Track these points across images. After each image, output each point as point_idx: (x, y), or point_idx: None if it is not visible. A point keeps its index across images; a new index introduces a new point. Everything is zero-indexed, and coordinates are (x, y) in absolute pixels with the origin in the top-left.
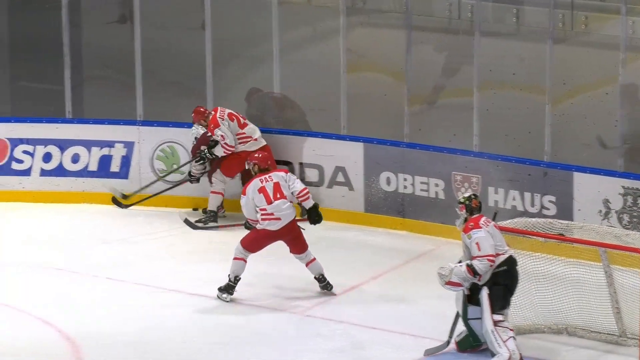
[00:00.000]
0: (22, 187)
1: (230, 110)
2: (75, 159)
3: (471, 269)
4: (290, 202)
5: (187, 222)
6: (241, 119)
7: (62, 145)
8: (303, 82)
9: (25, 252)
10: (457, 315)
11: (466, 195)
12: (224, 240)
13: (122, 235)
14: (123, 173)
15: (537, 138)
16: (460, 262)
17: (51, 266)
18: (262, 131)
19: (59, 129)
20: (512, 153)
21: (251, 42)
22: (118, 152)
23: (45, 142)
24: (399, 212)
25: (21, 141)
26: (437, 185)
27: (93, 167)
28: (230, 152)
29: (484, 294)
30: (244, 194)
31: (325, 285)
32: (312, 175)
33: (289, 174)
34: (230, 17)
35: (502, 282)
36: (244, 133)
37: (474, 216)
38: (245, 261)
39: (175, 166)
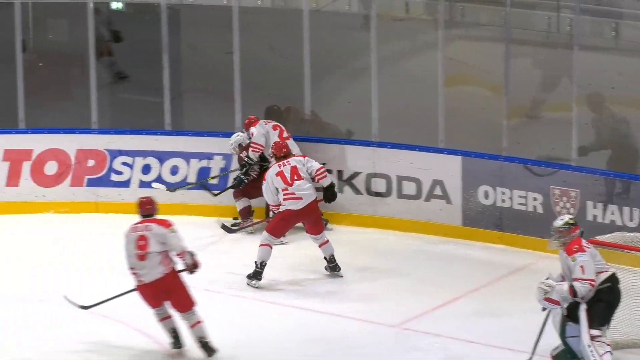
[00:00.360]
0: (121, 199)
1: (275, 123)
2: (174, 170)
3: (572, 290)
4: (310, 183)
5: (224, 227)
6: (285, 132)
7: (161, 157)
8: (401, 95)
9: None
10: (541, 333)
11: (568, 217)
12: (318, 254)
13: (218, 247)
14: (221, 185)
15: (636, 152)
16: (562, 279)
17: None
18: (359, 144)
19: (158, 140)
20: (610, 167)
21: (350, 55)
22: (216, 164)
23: (144, 153)
24: (496, 225)
25: (120, 153)
26: (535, 199)
27: (192, 178)
28: (258, 151)
29: (583, 310)
30: (264, 180)
31: (334, 267)
32: (409, 188)
33: (306, 158)
34: (329, 30)
35: (605, 299)
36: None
37: (575, 238)
38: (271, 247)
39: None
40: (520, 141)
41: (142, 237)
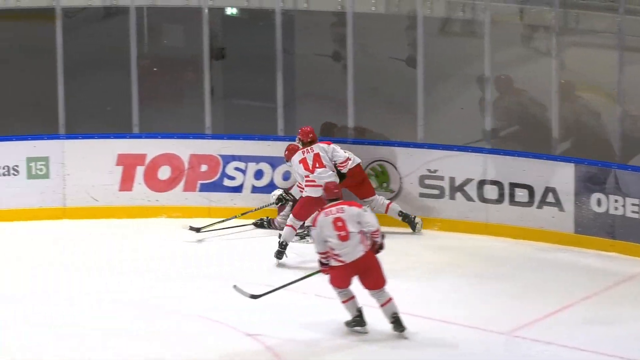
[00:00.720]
0: (233, 204)
1: (315, 152)
2: (286, 176)
3: None
4: (333, 171)
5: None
6: (318, 162)
7: (274, 162)
8: (514, 102)
9: (235, 267)
10: None
11: None
12: (429, 259)
13: None
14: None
15: None
16: None
17: (258, 282)
18: (472, 150)
19: (271, 146)
20: None
21: (463, 62)
22: None
23: (257, 159)
24: (609, 233)
25: (233, 158)
26: None
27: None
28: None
29: None
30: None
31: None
32: (521, 195)
33: (332, 145)
34: (442, 36)
35: None
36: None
37: None
38: (295, 229)
39: (385, 184)
40: (635, 149)
41: (339, 219)
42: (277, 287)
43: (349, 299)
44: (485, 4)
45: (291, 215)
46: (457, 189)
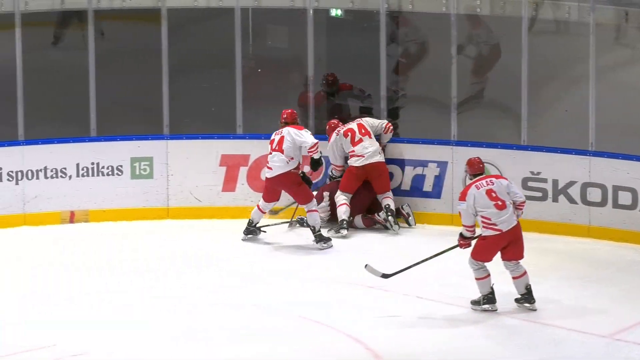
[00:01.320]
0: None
1: (350, 126)
2: (389, 177)
3: None
4: (291, 158)
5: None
6: (361, 130)
7: None
8: (619, 104)
9: (331, 267)
10: None
11: None
12: (533, 262)
13: (433, 252)
14: (435, 193)
15: None
16: None
17: (359, 283)
18: (575, 153)
19: None
20: None
21: (568, 64)
22: (431, 172)
23: None
24: None
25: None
26: None
27: (406, 186)
28: (338, 171)
29: None
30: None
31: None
32: (625, 198)
33: (302, 130)
34: (549, 38)
35: None
36: (353, 151)
37: None
38: (349, 205)
39: None
40: None
41: (492, 191)
42: (409, 265)
43: (486, 276)
44: (591, 6)
45: (339, 192)
46: (560, 191)
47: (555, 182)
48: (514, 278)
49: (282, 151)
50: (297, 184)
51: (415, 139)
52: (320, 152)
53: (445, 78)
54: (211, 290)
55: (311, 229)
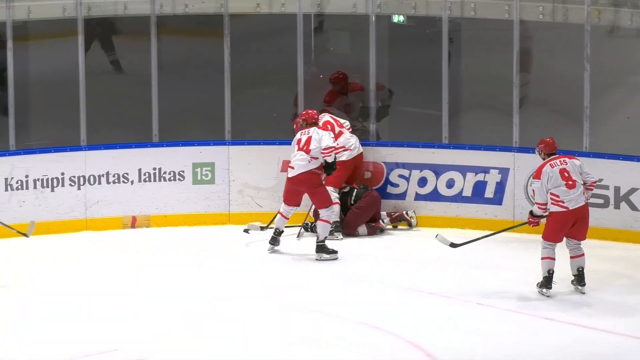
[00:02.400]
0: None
1: (327, 119)
2: (450, 184)
3: None
4: (315, 158)
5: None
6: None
7: (438, 170)
8: None
9: (388, 273)
10: None
11: None
12: (595, 269)
13: (494, 262)
14: (497, 199)
15: None
16: None
17: (418, 289)
18: (637, 160)
19: (435, 154)
20: None
21: (630, 70)
22: (493, 179)
23: (421, 166)
24: None
25: (397, 165)
26: None
27: (467, 192)
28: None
29: None
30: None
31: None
32: None
33: (326, 132)
34: (610, 44)
35: None
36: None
37: None
38: (285, 217)
39: None
40: None
41: (565, 170)
42: (476, 237)
43: (548, 257)
44: None
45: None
46: (622, 198)
47: (617, 189)
48: (571, 257)
49: (308, 151)
50: (318, 185)
51: (477, 145)
52: (335, 156)
53: (507, 83)
54: (271, 295)
55: (316, 237)
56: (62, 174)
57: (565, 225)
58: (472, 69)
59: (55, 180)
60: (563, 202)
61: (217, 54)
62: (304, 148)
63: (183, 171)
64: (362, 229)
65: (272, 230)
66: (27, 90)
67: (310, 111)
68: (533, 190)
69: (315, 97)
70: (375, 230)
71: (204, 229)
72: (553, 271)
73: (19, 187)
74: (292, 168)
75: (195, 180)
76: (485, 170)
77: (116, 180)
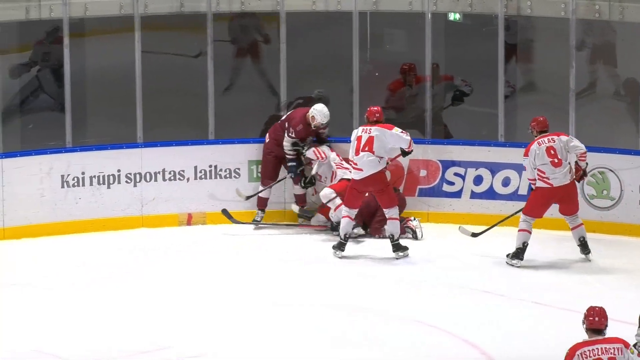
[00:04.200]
0: (452, 209)
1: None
2: (505, 182)
3: None
4: (382, 157)
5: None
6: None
7: (494, 168)
8: None
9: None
10: None
11: None
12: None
13: (549, 260)
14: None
15: None
16: None
17: (473, 287)
18: None
19: (491, 152)
20: None
21: None
22: None
23: (476, 164)
24: None
25: (453, 163)
26: None
27: (523, 191)
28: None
29: None
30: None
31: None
32: None
33: (393, 129)
34: None
35: None
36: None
37: None
38: (352, 219)
39: (605, 192)
40: None
41: (552, 148)
42: (492, 225)
43: (525, 230)
44: None
45: (343, 206)
46: None
47: None
48: (571, 229)
49: (372, 151)
50: (386, 185)
51: None
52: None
53: (562, 80)
54: (326, 294)
55: (390, 237)
56: (119, 170)
57: (548, 202)
58: (527, 67)
59: (111, 177)
60: (548, 179)
61: (273, 51)
62: (366, 148)
63: (239, 168)
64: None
65: (340, 235)
66: (83, 87)
67: (373, 108)
68: (525, 167)
69: (372, 94)
70: (404, 230)
71: (260, 226)
72: (527, 244)
73: (75, 184)
74: (360, 170)
75: (251, 178)
76: None
77: (172, 178)
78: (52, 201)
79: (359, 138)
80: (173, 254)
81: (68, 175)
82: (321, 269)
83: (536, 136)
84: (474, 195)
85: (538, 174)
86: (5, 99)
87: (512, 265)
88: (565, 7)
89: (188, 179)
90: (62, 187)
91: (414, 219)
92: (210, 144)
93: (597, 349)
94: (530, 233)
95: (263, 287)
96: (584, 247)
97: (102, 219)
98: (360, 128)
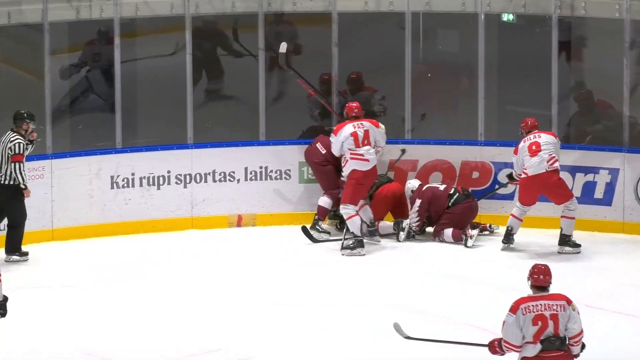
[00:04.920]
0: (504, 211)
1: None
2: None
3: None
4: (376, 150)
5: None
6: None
7: None
8: None
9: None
10: None
11: None
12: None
13: (602, 263)
14: (606, 200)
15: None
16: None
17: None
18: None
19: None
20: None
21: None
22: (602, 179)
23: None
24: None
25: (505, 165)
26: None
27: (577, 192)
28: None
29: None
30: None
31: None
32: None
33: (380, 127)
34: None
35: None
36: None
37: None
38: (357, 214)
39: None
40: None
41: (534, 143)
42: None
43: (515, 216)
44: None
45: (341, 204)
46: None
47: None
48: (560, 217)
49: (370, 144)
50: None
51: (586, 145)
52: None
53: (616, 82)
54: (374, 295)
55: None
56: (168, 172)
57: (529, 190)
58: (581, 68)
59: (161, 179)
60: (525, 169)
61: (325, 50)
62: (366, 142)
63: (289, 170)
64: (449, 232)
65: (356, 234)
66: (134, 87)
67: (352, 104)
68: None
69: (422, 93)
70: (461, 236)
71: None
72: (512, 228)
73: (125, 185)
74: (367, 160)
75: (301, 179)
76: (595, 170)
77: (222, 179)
78: (101, 202)
79: (354, 134)
80: (224, 255)
81: (117, 176)
82: (321, 269)
83: (524, 136)
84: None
85: (524, 171)
86: (55, 100)
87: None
88: (619, 9)
89: (238, 180)
90: (112, 188)
91: (481, 229)
92: (260, 145)
93: (540, 304)
94: (518, 220)
95: (308, 289)
96: (561, 239)
97: (152, 220)
98: (350, 125)
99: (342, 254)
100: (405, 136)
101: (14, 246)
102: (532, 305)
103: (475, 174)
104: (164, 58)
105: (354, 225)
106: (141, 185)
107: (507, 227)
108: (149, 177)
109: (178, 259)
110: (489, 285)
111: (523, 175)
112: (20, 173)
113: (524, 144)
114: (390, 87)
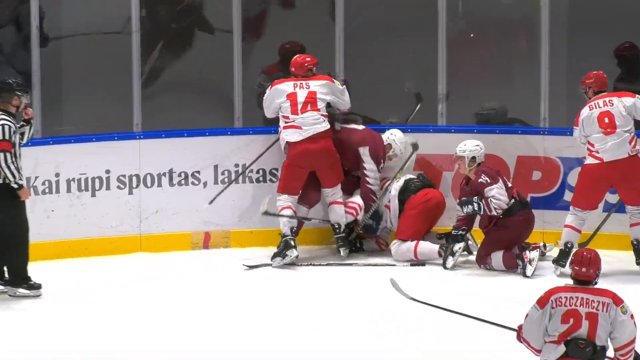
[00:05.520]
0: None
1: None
2: None
3: None
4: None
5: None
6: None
7: None
8: None
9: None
10: None
11: None
12: None
13: None
14: None
15: None
16: None
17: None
18: None
19: None
20: None
21: None
22: None
23: None
24: None
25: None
26: None
27: None
28: None
29: None
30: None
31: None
32: None
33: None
34: None
35: None
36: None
37: None
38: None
39: None
40: None
41: (607, 113)
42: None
43: (573, 227)
44: None
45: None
46: None
47: None
48: (630, 225)
49: (317, 109)
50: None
51: None
52: None
53: None
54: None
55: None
56: (107, 172)
57: (597, 183)
58: None
59: (97, 181)
60: (598, 153)
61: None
62: (308, 109)
63: (276, 169)
64: (498, 257)
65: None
66: (58, 54)
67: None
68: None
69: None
70: (515, 263)
71: None
72: (572, 245)
73: (46, 190)
74: (301, 128)
75: None
76: None
77: (183, 182)
78: None
79: (292, 95)
80: (180, 291)
81: (36, 177)
82: (320, 271)
83: (591, 97)
84: (608, 206)
85: (588, 148)
86: None
87: (554, 273)
88: None
89: (205, 184)
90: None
91: (538, 249)
92: (235, 135)
93: (577, 297)
94: (576, 232)
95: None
96: (636, 252)
97: (83, 240)
98: (291, 83)
99: (273, 266)
100: (437, 121)
101: (18, 274)
102: (566, 297)
103: (537, 175)
104: (102, 14)
105: (282, 220)
106: (69, 190)
107: (566, 244)
108: (79, 180)
109: (121, 293)
110: None
111: (590, 160)
112: (9, 167)
113: (590, 113)
114: (419, 49)
